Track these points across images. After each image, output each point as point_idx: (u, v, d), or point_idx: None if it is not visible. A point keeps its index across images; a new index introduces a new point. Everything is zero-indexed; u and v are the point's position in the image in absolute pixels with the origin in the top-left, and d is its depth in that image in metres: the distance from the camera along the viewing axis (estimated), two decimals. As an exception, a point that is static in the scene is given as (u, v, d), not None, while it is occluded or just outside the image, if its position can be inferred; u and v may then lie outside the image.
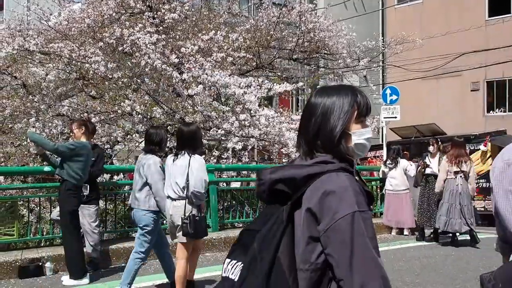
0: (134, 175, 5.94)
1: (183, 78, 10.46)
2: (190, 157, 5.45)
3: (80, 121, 6.98)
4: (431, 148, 9.99)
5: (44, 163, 7.53)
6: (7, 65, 12.08)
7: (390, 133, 16.78)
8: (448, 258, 8.32)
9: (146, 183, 5.71)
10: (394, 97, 12.23)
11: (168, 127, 11.24)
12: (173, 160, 5.55)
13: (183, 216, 5.37)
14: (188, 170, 5.39)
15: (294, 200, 1.68)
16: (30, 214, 8.15)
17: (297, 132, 8.20)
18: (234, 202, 10.02)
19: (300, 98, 20.64)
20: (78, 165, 6.41)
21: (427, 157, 9.98)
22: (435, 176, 9.52)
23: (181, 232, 5.42)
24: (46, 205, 8.54)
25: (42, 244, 7.99)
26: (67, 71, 11.52)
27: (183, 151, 5.52)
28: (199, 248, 6.00)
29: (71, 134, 6.93)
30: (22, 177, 11.12)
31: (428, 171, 9.85)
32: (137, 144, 11.81)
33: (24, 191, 9.85)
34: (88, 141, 6.78)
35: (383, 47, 15.45)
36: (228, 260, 1.76)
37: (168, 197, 5.55)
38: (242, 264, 1.70)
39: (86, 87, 11.90)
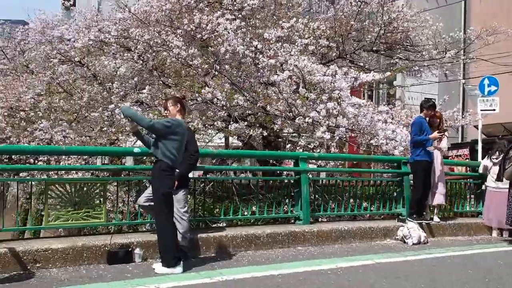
0: None
1: (265, 65, 10.01)
2: None
3: (176, 98, 6.51)
4: None
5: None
6: (82, 56, 11.88)
7: (472, 130, 15.75)
8: None
9: None
10: (493, 88, 11.29)
11: (248, 117, 10.79)
12: None
13: None
14: None
15: None
16: (117, 198, 7.77)
17: (384, 123, 7.45)
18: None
19: (373, 91, 19.61)
20: (173, 144, 5.96)
21: None
22: None
23: None
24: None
25: (130, 230, 7.64)
26: (140, 63, 11.17)
27: None
28: None
29: (165, 112, 6.44)
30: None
31: None
32: (216, 132, 11.44)
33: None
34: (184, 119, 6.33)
35: (470, 38, 14.33)
36: None
37: None
38: None
39: (161, 77, 11.53)
